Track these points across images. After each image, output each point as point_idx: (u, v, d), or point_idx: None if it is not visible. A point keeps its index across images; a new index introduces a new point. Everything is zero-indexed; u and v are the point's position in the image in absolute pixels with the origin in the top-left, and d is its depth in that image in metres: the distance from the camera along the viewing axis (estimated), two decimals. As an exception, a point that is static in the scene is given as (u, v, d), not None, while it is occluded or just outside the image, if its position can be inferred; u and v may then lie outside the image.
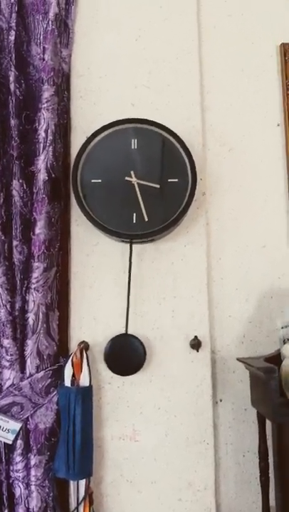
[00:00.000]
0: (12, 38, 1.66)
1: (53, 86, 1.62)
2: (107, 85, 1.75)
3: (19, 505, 1.51)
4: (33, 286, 1.55)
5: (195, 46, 1.78)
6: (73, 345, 1.63)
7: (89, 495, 1.54)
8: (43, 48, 1.67)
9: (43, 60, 1.64)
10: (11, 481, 1.52)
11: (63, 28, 1.73)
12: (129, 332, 1.62)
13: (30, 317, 1.55)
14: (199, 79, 1.78)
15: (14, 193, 1.60)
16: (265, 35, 1.85)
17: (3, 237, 1.57)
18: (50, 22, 1.66)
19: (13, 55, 1.65)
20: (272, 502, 1.56)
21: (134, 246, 1.66)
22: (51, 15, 1.67)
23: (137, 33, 1.78)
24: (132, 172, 1.62)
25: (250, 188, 1.79)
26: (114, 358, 1.59)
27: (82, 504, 1.52)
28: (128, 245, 1.64)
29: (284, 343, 1.64)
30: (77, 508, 1.53)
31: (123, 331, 1.62)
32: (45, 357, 1.56)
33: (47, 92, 1.61)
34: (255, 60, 1.84)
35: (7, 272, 1.56)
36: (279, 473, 1.46)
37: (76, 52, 1.75)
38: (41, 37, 1.71)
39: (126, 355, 1.59)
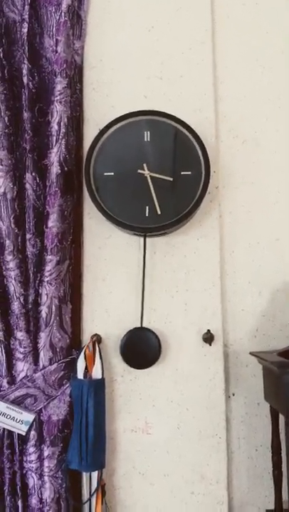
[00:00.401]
0: (25, 30, 1.66)
1: (66, 78, 1.61)
2: (119, 77, 1.74)
3: (32, 496, 1.52)
4: (46, 279, 1.56)
5: (208, 36, 1.76)
6: (86, 338, 1.63)
7: (101, 486, 1.55)
8: (56, 40, 1.66)
9: (56, 52, 1.64)
10: (24, 472, 1.54)
11: (76, 19, 1.72)
12: (143, 325, 1.62)
13: (44, 310, 1.56)
14: (212, 69, 1.76)
15: (27, 186, 1.60)
16: (279, 25, 1.82)
17: (16, 230, 1.57)
18: (62, 14, 1.65)
19: (26, 48, 1.65)
20: (284, 496, 1.56)
21: (146, 239, 1.65)
22: (64, 6, 1.66)
23: (150, 24, 1.76)
24: (144, 165, 1.61)
25: (263, 181, 1.77)
26: (130, 351, 1.59)
27: (95, 495, 1.54)
28: (141, 238, 1.64)
29: (298, 337, 1.62)
30: (89, 499, 1.54)
31: (135, 324, 1.62)
32: (58, 349, 1.56)
33: (60, 85, 1.60)
34: (269, 50, 1.81)
35: (20, 264, 1.56)
36: (292, 467, 1.45)
37: (89, 44, 1.74)
38: (54, 29, 1.70)
39: (141, 348, 1.59)
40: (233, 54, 1.80)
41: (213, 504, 1.60)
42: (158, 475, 1.61)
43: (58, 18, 1.68)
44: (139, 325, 1.62)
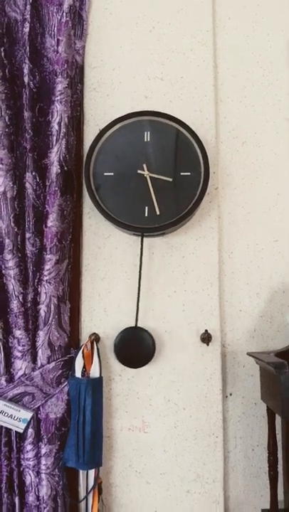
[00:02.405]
0: (26, 30, 1.66)
1: (67, 78, 1.62)
2: (120, 77, 1.74)
3: (29, 493, 1.53)
4: (45, 278, 1.56)
5: (209, 37, 1.76)
6: (84, 337, 1.64)
7: (98, 484, 1.56)
8: (57, 40, 1.66)
9: (57, 52, 1.64)
10: (21, 469, 1.54)
11: (77, 19, 1.73)
12: (140, 325, 1.63)
13: (42, 309, 1.56)
14: (213, 71, 1.76)
15: (27, 185, 1.61)
16: (280, 27, 1.82)
17: (16, 229, 1.58)
18: (64, 14, 1.66)
19: (28, 48, 1.65)
20: (280, 496, 1.57)
21: (145, 239, 1.66)
22: (65, 6, 1.66)
23: (151, 24, 1.76)
24: (144, 165, 1.61)
25: (262, 182, 1.77)
26: (123, 351, 1.60)
27: (91, 493, 1.55)
28: (138, 238, 1.65)
29: (295, 338, 1.63)
30: (86, 497, 1.55)
31: (133, 324, 1.63)
32: (56, 348, 1.57)
33: (60, 85, 1.61)
34: (270, 52, 1.81)
35: (20, 263, 1.57)
36: (288, 467, 1.46)
37: (90, 44, 1.75)
38: (55, 29, 1.70)
39: (135, 347, 1.60)
40: (233, 55, 1.80)
41: (209, 503, 1.61)
42: (154, 473, 1.62)
43: (59, 18, 1.69)
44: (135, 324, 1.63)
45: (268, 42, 1.82)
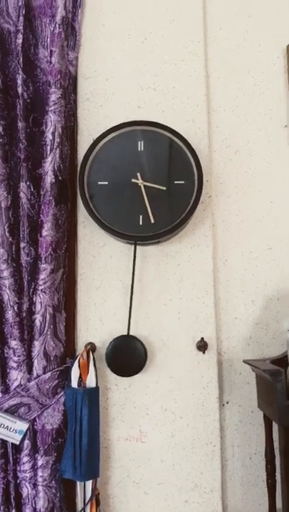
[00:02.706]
0: (20, 41, 1.67)
1: (60, 89, 1.63)
2: (113, 88, 1.75)
3: (26, 506, 1.52)
4: (40, 287, 1.56)
5: (201, 48, 1.78)
6: (80, 347, 1.64)
7: (95, 496, 1.54)
8: (50, 51, 1.68)
9: (50, 62, 1.65)
10: (18, 481, 1.53)
11: (70, 31, 1.74)
12: (135, 333, 1.62)
13: (38, 318, 1.56)
14: (205, 80, 1.78)
15: (22, 195, 1.61)
16: (271, 37, 1.85)
17: (10, 239, 1.58)
18: (57, 25, 1.67)
19: (21, 58, 1.66)
20: (278, 504, 1.56)
21: (140, 248, 1.67)
22: (58, 18, 1.68)
23: (143, 36, 1.78)
24: (138, 174, 1.62)
25: (255, 190, 1.79)
26: (115, 360, 1.59)
27: (89, 505, 1.53)
28: (132, 246, 1.65)
29: (291, 345, 1.63)
30: (83, 508, 1.54)
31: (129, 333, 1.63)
32: (52, 358, 1.57)
33: (54, 95, 1.62)
34: (261, 62, 1.84)
35: (14, 273, 1.57)
36: (286, 475, 1.46)
37: (83, 55, 1.76)
38: (48, 40, 1.72)
39: (127, 356, 1.59)
40: (225, 65, 1.83)
41: (208, 513, 1.60)
42: (152, 483, 1.61)
43: (52, 29, 1.70)
44: (133, 334, 1.63)
45: (259, 52, 1.84)
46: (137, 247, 1.67)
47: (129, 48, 1.77)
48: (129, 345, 1.60)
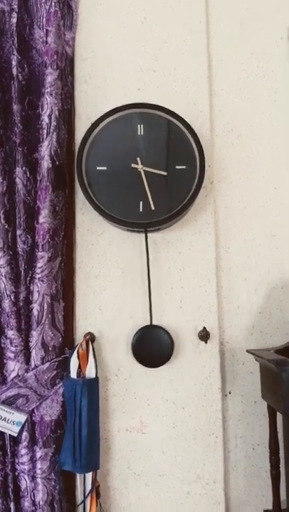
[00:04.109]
0: (14, 20, 1.61)
1: (57, 70, 1.57)
2: (112, 69, 1.70)
3: (25, 498, 1.49)
4: (37, 276, 1.52)
5: (203, 28, 1.72)
6: (79, 337, 1.60)
7: (96, 488, 1.51)
8: (46, 30, 1.61)
9: (46, 43, 1.59)
10: (16, 474, 1.50)
11: (66, 10, 1.68)
12: (136, 323, 1.59)
13: (35, 308, 1.52)
14: (207, 62, 1.72)
15: (17, 180, 1.56)
16: (275, 17, 1.78)
17: (6, 226, 1.53)
18: (52, 4, 1.61)
19: (16, 39, 1.60)
20: (282, 496, 1.53)
21: (140, 235, 1.62)
22: (54, -4, 1.61)
23: (143, 15, 1.72)
24: (138, 159, 1.57)
25: (259, 175, 1.74)
26: (141, 351, 1.55)
27: (89, 497, 1.50)
28: (135, 234, 1.62)
29: (295, 334, 1.60)
30: (83, 501, 1.51)
31: (128, 322, 1.60)
32: (50, 348, 1.53)
33: (50, 76, 1.56)
34: (264, 43, 1.78)
35: (11, 261, 1.52)
36: (290, 466, 1.43)
37: (80, 35, 1.70)
38: (44, 19, 1.65)
39: (153, 346, 1.55)
40: (228, 46, 1.77)
41: (210, 504, 1.57)
42: (153, 475, 1.58)
43: (47, 8, 1.64)
44: (132, 322, 1.60)
45: (263, 33, 1.78)
46: (137, 234, 1.62)
47: (128, 28, 1.71)
48: (154, 336, 1.56)
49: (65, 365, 1.54)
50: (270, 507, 1.56)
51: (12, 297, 1.51)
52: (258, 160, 1.74)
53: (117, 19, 1.72)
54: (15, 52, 1.59)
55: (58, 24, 1.62)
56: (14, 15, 1.61)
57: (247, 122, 1.75)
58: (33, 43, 1.65)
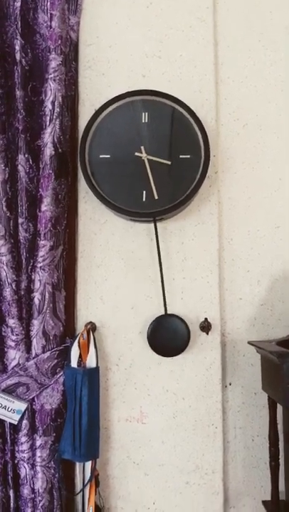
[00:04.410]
0: (18, 4, 1.58)
1: (61, 55, 1.54)
2: (116, 55, 1.67)
3: (24, 486, 1.49)
4: (39, 264, 1.51)
5: (209, 14, 1.69)
6: (80, 326, 1.59)
7: (95, 477, 1.52)
8: (50, 14, 1.58)
9: (50, 27, 1.56)
10: (16, 462, 1.50)
11: (71, -7, 1.64)
12: (137, 313, 1.58)
13: (36, 297, 1.51)
14: (213, 49, 1.69)
15: (20, 168, 1.54)
16: (283, 4, 1.75)
17: (8, 214, 1.51)
18: (57, -13, 1.58)
19: (19, 23, 1.57)
20: (280, 487, 1.54)
21: (143, 225, 1.61)
22: (58, -21, 1.58)
23: (148, 0, 1.68)
24: (142, 147, 1.55)
25: (264, 166, 1.71)
26: (156, 339, 1.54)
27: (88, 486, 1.51)
28: (138, 224, 1.60)
29: (297, 326, 1.59)
30: (82, 489, 1.52)
31: (130, 312, 1.59)
32: (51, 337, 1.52)
33: (54, 62, 1.53)
34: (272, 30, 1.74)
35: (12, 250, 1.51)
36: (289, 458, 1.43)
37: (85, 20, 1.67)
38: (48, 3, 1.62)
39: (168, 336, 1.54)
40: (234, 33, 1.73)
41: (209, 494, 1.58)
42: (153, 465, 1.58)
43: (52, -9, 1.60)
44: (133, 312, 1.59)
45: (271, 19, 1.75)
46: (140, 224, 1.61)
47: (133, 13, 1.68)
48: (169, 325, 1.55)
49: (65, 354, 1.53)
50: (268, 498, 1.56)
51: (13, 286, 1.50)
52: (264, 150, 1.72)
53: (123, 4, 1.68)
54: (18, 37, 1.57)
55: (62, 8, 1.59)
56: (18, -2, 1.58)
57: (253, 111, 1.72)
58: (36, 27, 1.62)
